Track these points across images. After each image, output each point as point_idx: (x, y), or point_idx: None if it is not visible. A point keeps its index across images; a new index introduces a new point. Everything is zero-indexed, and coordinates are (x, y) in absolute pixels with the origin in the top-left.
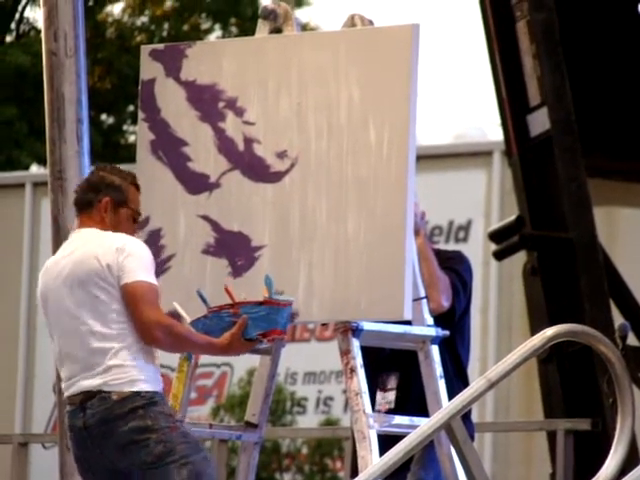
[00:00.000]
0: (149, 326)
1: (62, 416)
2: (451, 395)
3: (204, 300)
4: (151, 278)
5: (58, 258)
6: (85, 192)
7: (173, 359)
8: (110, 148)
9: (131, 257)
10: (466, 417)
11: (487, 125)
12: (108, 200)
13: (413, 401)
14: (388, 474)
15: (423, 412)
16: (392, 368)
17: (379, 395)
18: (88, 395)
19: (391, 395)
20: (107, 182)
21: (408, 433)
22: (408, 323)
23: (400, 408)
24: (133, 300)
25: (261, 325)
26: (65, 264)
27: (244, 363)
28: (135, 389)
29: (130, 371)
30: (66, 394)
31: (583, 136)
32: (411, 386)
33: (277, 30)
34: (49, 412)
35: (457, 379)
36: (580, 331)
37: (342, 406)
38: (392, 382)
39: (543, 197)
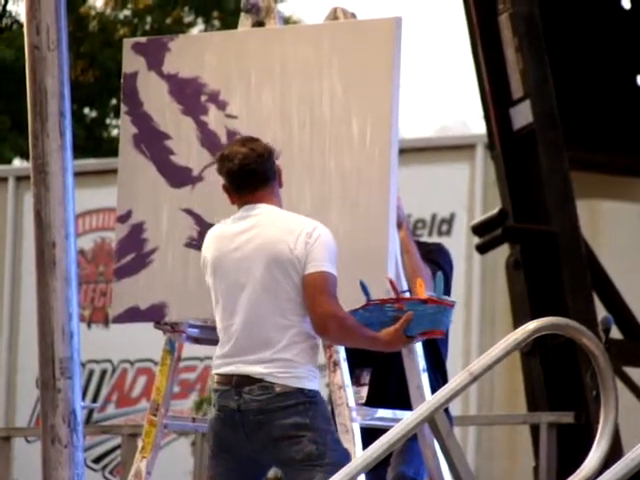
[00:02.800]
0: (325, 317)
1: (45, 410)
2: (431, 389)
3: (366, 292)
4: (333, 269)
5: (235, 231)
6: (262, 164)
7: (156, 352)
8: (93, 142)
9: (318, 246)
10: (444, 409)
11: (470, 118)
12: (281, 169)
13: (390, 396)
14: (371, 467)
15: (400, 407)
16: (366, 363)
17: (353, 390)
18: (248, 380)
19: (364, 391)
20: (271, 150)
21: (391, 426)
22: None
23: (376, 403)
24: (312, 290)
25: (424, 324)
26: (247, 240)
27: None
28: (300, 386)
29: (297, 367)
30: (217, 371)
31: (563, 128)
32: (388, 382)
33: (259, 23)
34: (32, 406)
35: (436, 372)
36: (563, 324)
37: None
38: (366, 377)
39: (526, 190)
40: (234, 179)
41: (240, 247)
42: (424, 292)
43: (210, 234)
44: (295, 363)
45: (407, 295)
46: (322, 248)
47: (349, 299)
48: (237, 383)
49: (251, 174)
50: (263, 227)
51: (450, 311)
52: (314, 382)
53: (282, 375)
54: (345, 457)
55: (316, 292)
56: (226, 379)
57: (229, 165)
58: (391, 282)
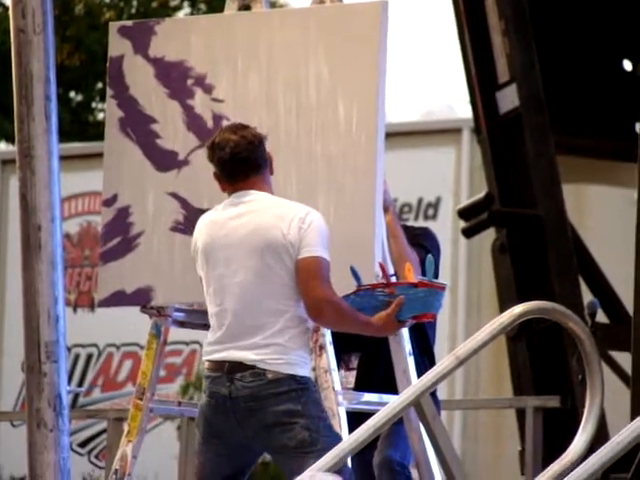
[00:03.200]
0: (319, 302)
1: (30, 394)
2: (418, 373)
3: (357, 277)
4: (326, 254)
5: (226, 217)
6: (253, 151)
7: (142, 336)
8: (78, 125)
9: (312, 231)
10: (432, 393)
11: (456, 102)
12: (272, 156)
13: (378, 381)
14: (357, 451)
15: (388, 392)
16: (355, 348)
17: (341, 374)
18: (240, 367)
19: (352, 375)
20: (262, 137)
21: (377, 410)
22: None
23: (365, 388)
24: (306, 275)
25: (416, 307)
26: (239, 226)
27: None
28: (291, 372)
29: (289, 353)
30: (208, 357)
31: (549, 113)
32: (376, 366)
33: (246, 7)
34: (17, 390)
35: (424, 356)
36: (549, 308)
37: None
38: (354, 362)
39: (512, 174)
40: (225, 167)
41: (231, 233)
42: (413, 276)
43: (201, 221)
44: (287, 349)
45: (394, 279)
46: (315, 233)
47: (336, 285)
48: (229, 370)
49: (243, 162)
50: (256, 213)
51: (441, 294)
52: (305, 368)
53: (274, 362)
54: (337, 442)
55: (310, 277)
56: (218, 365)
57: (220, 153)
58: (382, 266)
